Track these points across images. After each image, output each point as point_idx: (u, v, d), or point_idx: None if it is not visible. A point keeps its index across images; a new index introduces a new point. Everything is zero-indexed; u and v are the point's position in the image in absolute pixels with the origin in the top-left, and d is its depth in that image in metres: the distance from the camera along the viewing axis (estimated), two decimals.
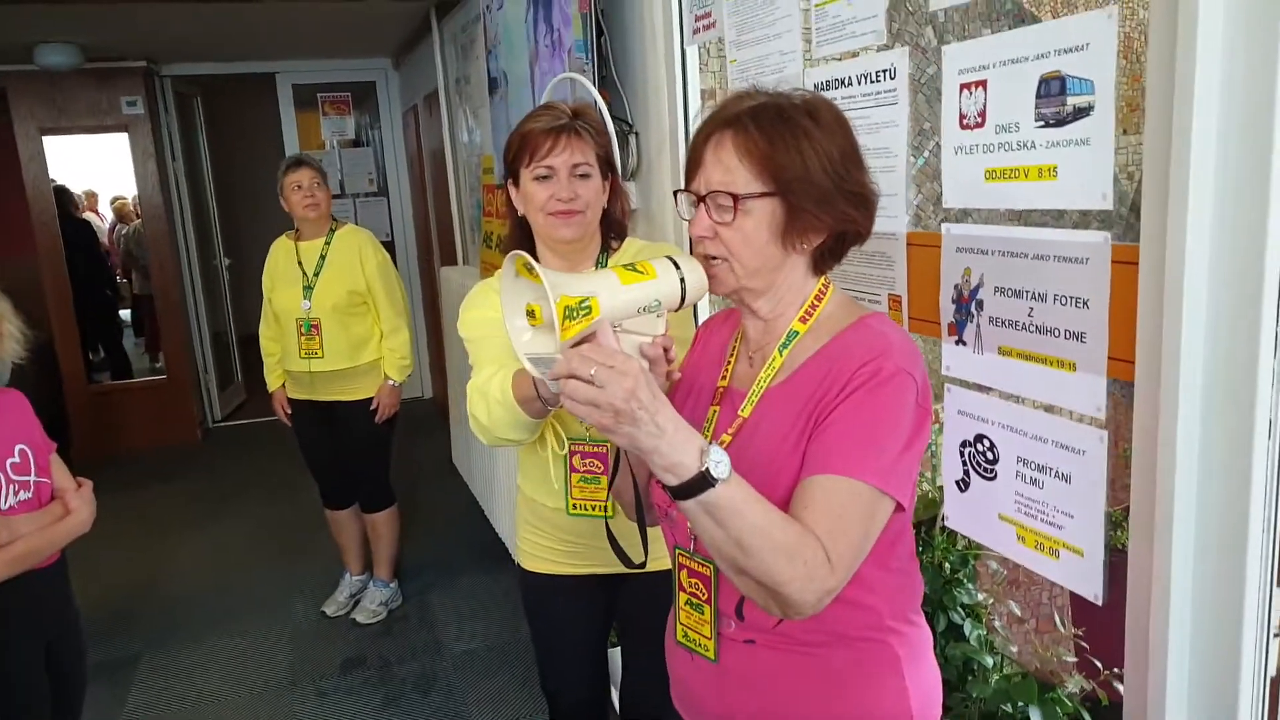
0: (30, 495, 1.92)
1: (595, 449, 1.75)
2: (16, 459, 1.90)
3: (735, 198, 1.10)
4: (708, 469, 0.95)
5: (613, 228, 1.80)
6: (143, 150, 6.06)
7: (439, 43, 5.00)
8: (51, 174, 6.08)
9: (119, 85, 5.91)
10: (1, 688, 1.90)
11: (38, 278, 5.91)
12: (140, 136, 6.04)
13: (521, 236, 1.78)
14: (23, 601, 1.90)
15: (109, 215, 9.03)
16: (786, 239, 1.12)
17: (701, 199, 1.14)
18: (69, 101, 5.86)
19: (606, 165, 1.72)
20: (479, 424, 1.73)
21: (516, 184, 1.72)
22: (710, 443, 0.98)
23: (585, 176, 1.67)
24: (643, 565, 1.54)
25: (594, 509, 1.78)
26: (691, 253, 1.19)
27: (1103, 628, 2.12)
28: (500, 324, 1.78)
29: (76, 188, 8.58)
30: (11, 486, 1.88)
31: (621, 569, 1.61)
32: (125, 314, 8.90)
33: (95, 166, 8.34)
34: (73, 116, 5.92)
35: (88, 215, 8.82)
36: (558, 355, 0.98)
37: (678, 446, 0.96)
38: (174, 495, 5.35)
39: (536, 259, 1.77)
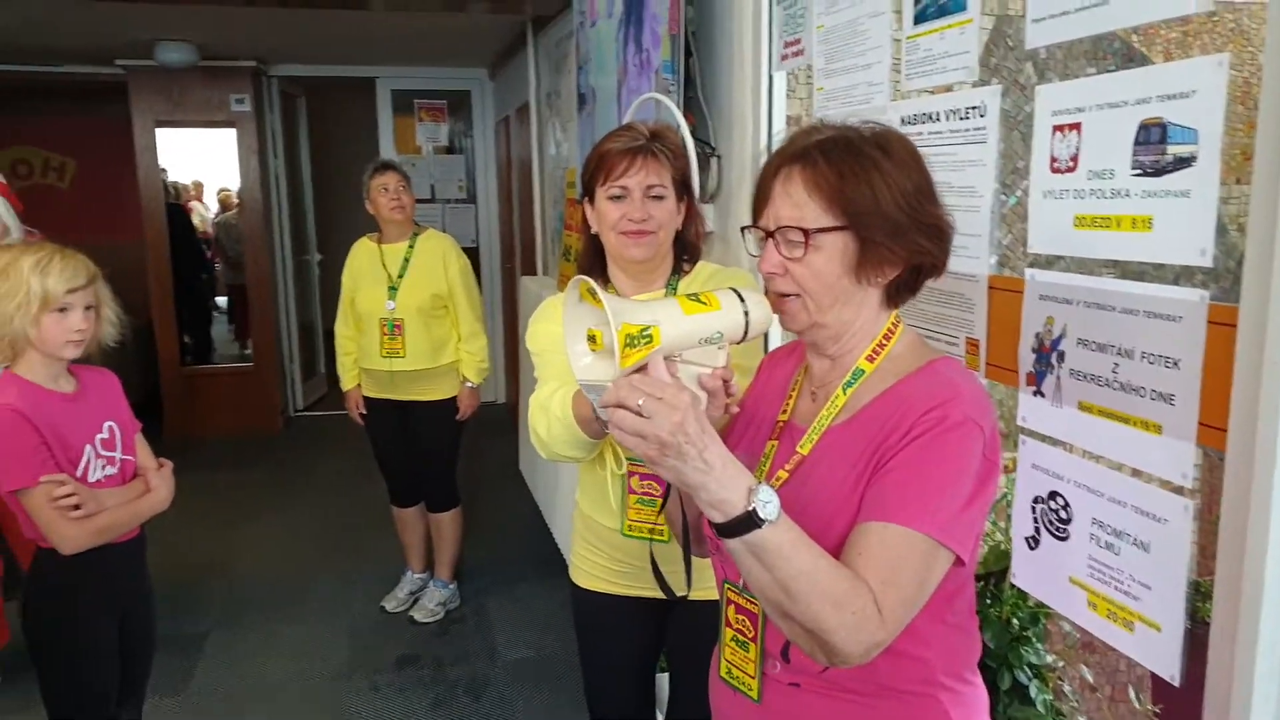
0: (115, 471, 2.01)
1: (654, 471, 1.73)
2: (105, 435, 2.00)
3: (806, 233, 1.07)
4: (755, 509, 0.93)
5: (686, 249, 1.79)
6: (247, 146, 6.27)
7: (533, 56, 5.06)
8: (161, 164, 6.34)
9: (229, 83, 6.14)
10: (73, 655, 1.99)
11: (143, 262, 6.15)
12: (246, 133, 6.26)
13: (594, 255, 1.78)
14: (100, 573, 1.99)
15: (214, 205, 9.40)
16: (860, 273, 1.09)
17: (770, 235, 1.11)
18: (183, 97, 6.11)
19: (682, 187, 1.71)
20: (538, 438, 1.74)
21: (592, 202, 1.72)
22: (762, 481, 0.95)
23: (659, 198, 1.66)
24: (683, 598, 1.53)
25: (649, 532, 1.76)
26: (765, 292, 1.16)
27: (1186, 708, 2.01)
28: (561, 340, 1.80)
29: (184, 178, 8.97)
30: (99, 461, 1.98)
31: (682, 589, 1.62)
32: (222, 301, 9.27)
33: (202, 159, 8.71)
34: (186, 111, 6.17)
35: (193, 204, 9.19)
36: (609, 383, 0.96)
37: (725, 484, 0.93)
38: (251, 480, 5.50)
39: (607, 278, 1.81)
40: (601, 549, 1.88)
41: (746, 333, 1.12)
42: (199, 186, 9.66)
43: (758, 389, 1.35)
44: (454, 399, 3.60)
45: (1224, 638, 1.06)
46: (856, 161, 1.07)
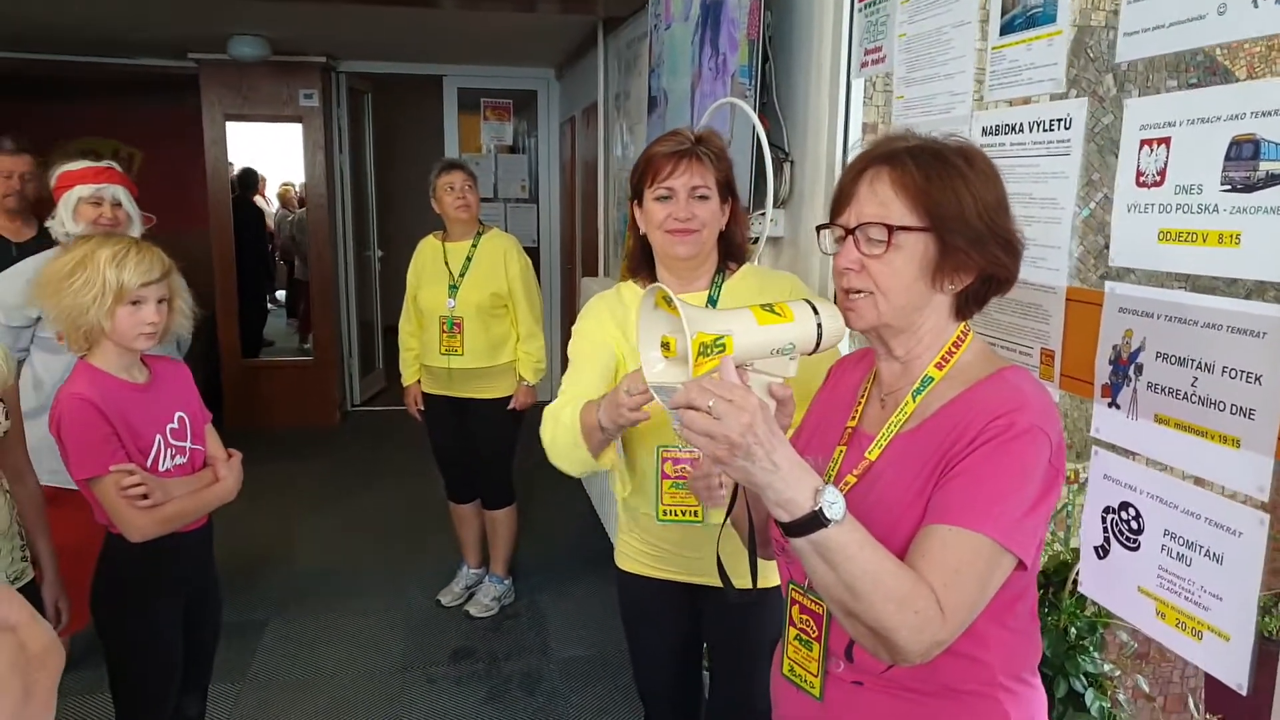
0: (185, 461, 2.05)
1: (688, 455, 1.80)
2: (176, 425, 2.04)
3: (890, 229, 1.10)
4: (821, 509, 0.96)
5: (731, 251, 1.86)
6: (314, 142, 6.37)
7: (603, 57, 5.11)
8: (230, 157, 6.49)
9: (298, 78, 6.25)
10: (140, 641, 2.03)
11: (208, 253, 6.30)
12: (313, 128, 6.36)
13: (642, 255, 1.87)
14: (168, 561, 2.02)
15: (274, 200, 9.58)
16: (936, 277, 1.13)
17: (850, 232, 1.14)
18: (253, 90, 6.23)
19: (727, 190, 1.79)
20: (544, 443, 1.84)
21: (640, 203, 1.80)
22: (828, 483, 0.98)
23: (704, 198, 1.75)
24: (746, 596, 1.56)
25: (685, 514, 1.82)
26: (835, 290, 1.19)
27: (1241, 716, 2.00)
28: (599, 348, 1.87)
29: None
30: (169, 451, 2.01)
31: (712, 581, 1.68)
32: (280, 294, 9.44)
33: (265, 153, 8.86)
34: (255, 105, 6.29)
35: (257, 200, 9.39)
36: (679, 385, 0.99)
37: (792, 484, 0.96)
38: (310, 473, 5.61)
39: (655, 278, 1.85)
40: (640, 534, 1.95)
41: (819, 344, 1.15)
42: (262, 180, 9.85)
43: (825, 396, 1.38)
44: (511, 398, 3.65)
45: None
46: (943, 168, 1.11)
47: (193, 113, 6.30)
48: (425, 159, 3.97)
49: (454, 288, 3.52)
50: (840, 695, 1.21)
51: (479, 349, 3.54)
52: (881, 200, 1.12)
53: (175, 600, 2.08)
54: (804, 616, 1.25)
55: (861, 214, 1.13)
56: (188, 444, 2.06)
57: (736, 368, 1.04)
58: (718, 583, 1.77)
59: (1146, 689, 2.12)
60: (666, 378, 1.10)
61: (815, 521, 0.96)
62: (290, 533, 4.63)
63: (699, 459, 1.76)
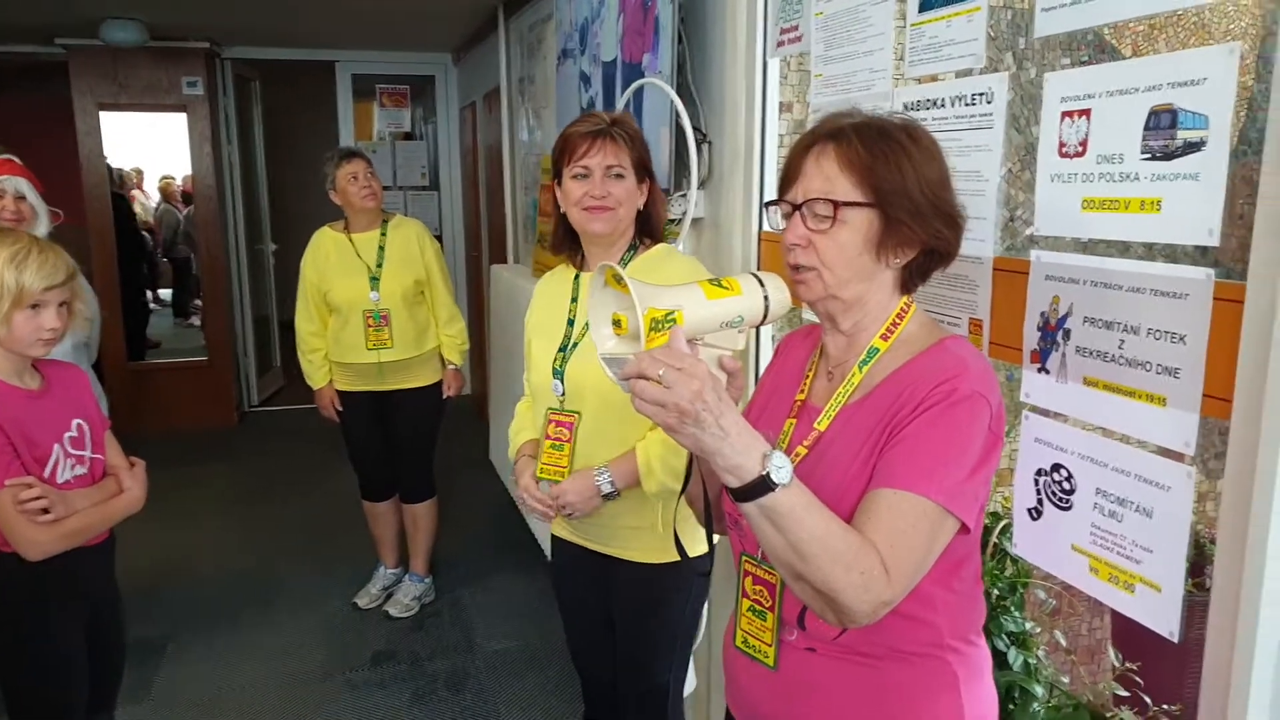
0: (85, 471, 1.93)
1: (566, 418, 1.88)
2: (74, 433, 1.92)
3: (835, 205, 1.12)
4: (769, 473, 0.97)
5: (647, 228, 1.93)
6: (199, 132, 6.12)
7: (505, 40, 5.02)
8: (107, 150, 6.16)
9: (180, 65, 5.98)
10: (41, 666, 1.91)
11: (86, 251, 5.99)
12: (198, 118, 6.11)
13: (565, 233, 1.95)
14: (68, 578, 1.91)
15: (154, 194, 9.17)
16: (880, 252, 1.15)
17: (797, 208, 1.16)
18: (130, 78, 5.93)
19: (643, 170, 1.86)
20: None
21: (560, 183, 1.87)
22: (774, 449, 0.99)
23: (619, 177, 1.82)
24: (701, 565, 1.68)
25: (554, 474, 1.89)
26: (785, 266, 1.20)
27: (1151, 662, 2.10)
28: (543, 329, 1.92)
29: (126, 164, 8.73)
30: (69, 461, 1.89)
31: (619, 553, 1.91)
32: (166, 293, 9.05)
33: (144, 145, 8.46)
34: (133, 94, 5.99)
35: (135, 193, 8.96)
36: (629, 356, 1.00)
37: (740, 450, 0.98)
38: (209, 478, 5.39)
39: (581, 254, 1.88)
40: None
41: (766, 315, 1.17)
42: (139, 174, 9.41)
43: (774, 370, 1.40)
44: (437, 385, 3.60)
45: (1225, 599, 1.12)
46: (887, 144, 1.13)
47: (62, 103, 5.96)
48: (319, 148, 3.84)
49: (375, 279, 3.41)
50: (794, 663, 1.24)
51: (407, 339, 3.47)
52: (827, 176, 1.14)
53: (77, 621, 1.97)
54: (757, 587, 1.27)
55: (808, 190, 1.15)
56: (88, 453, 1.95)
57: (687, 342, 1.05)
58: (626, 554, 1.91)
59: (1063, 642, 2.21)
60: (618, 354, 1.10)
61: (763, 485, 0.97)
62: (190, 541, 4.44)
63: (574, 420, 1.87)
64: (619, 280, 1.06)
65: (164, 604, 3.78)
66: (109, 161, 6.87)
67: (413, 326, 3.48)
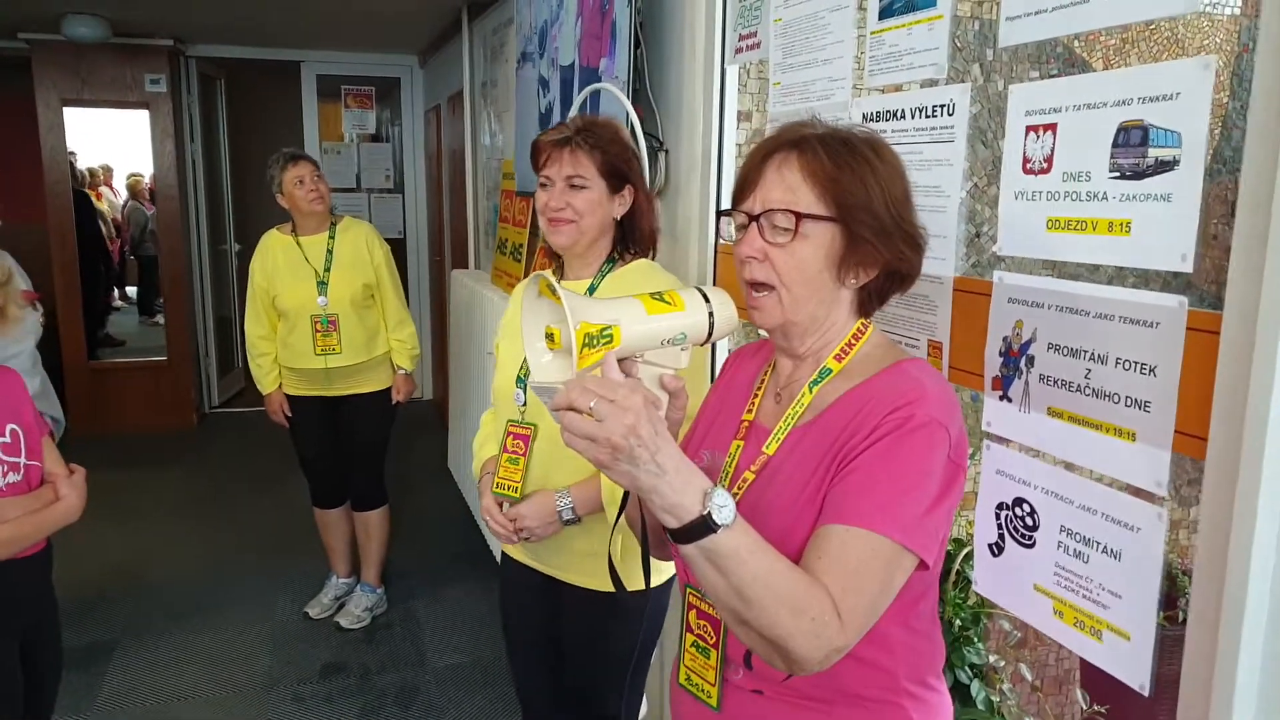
0: (20, 478, 1.84)
1: (522, 430, 1.81)
2: (7, 439, 1.83)
3: (798, 217, 1.05)
4: (709, 513, 0.89)
5: (632, 240, 1.84)
6: (162, 129, 6.01)
7: (468, 44, 4.94)
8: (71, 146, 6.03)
9: (144, 62, 5.87)
10: None
11: (45, 247, 5.84)
12: (161, 115, 5.99)
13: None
14: (0, 590, 1.82)
15: (122, 191, 9.01)
16: (841, 270, 1.08)
17: (754, 219, 1.09)
18: (93, 74, 5.81)
19: (616, 178, 1.77)
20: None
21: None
22: (716, 486, 0.91)
23: (580, 188, 1.75)
24: (643, 591, 1.54)
25: (509, 489, 1.82)
26: (738, 278, 1.12)
27: (1120, 701, 2.03)
28: (513, 332, 1.81)
29: (93, 162, 8.57)
30: (1, 468, 1.80)
31: (569, 578, 1.83)
32: (132, 291, 8.89)
33: (113, 142, 8.31)
34: (95, 90, 5.87)
35: (102, 190, 8.79)
36: (560, 385, 0.91)
37: (678, 488, 0.90)
38: (164, 480, 5.27)
39: (562, 264, 1.80)
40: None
41: (710, 333, 1.10)
42: (108, 171, 9.25)
43: (721, 388, 1.33)
44: (388, 390, 3.51)
45: (1202, 643, 1.05)
46: (852, 157, 1.07)
47: (25, 98, 5.82)
48: (283, 148, 3.72)
49: (322, 284, 3.32)
50: (739, 705, 1.16)
51: (356, 344, 3.37)
52: (789, 186, 1.07)
53: (9, 635, 1.87)
54: (701, 621, 1.19)
55: (768, 200, 1.08)
56: (22, 459, 1.85)
57: (625, 360, 0.98)
58: (575, 580, 1.83)
59: (1028, 676, 2.14)
60: (552, 370, 1.02)
61: (704, 527, 0.89)
62: (140, 546, 4.31)
63: (529, 433, 1.80)
64: (553, 291, 0.97)
65: (112, 609, 3.66)
66: (74, 159, 6.75)
67: (362, 331, 3.38)
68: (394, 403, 3.52)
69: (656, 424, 0.90)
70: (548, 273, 1.00)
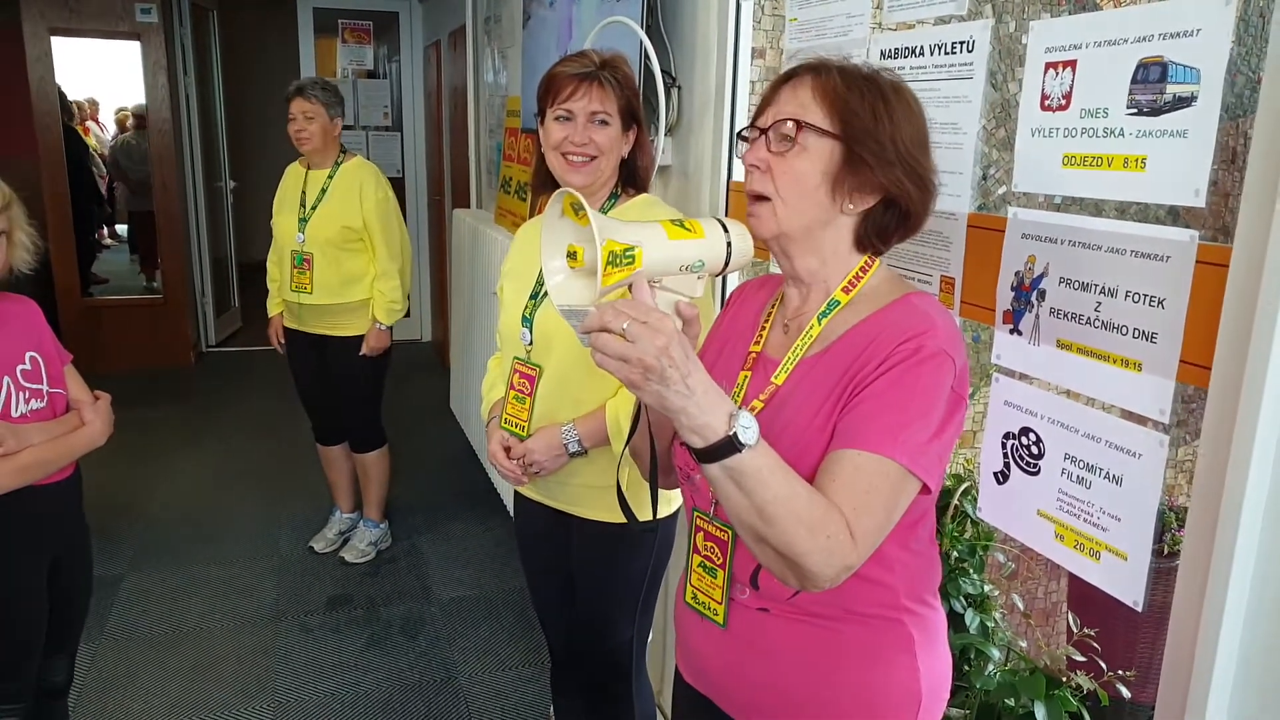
0: (44, 405, 1.86)
1: (528, 370, 1.84)
2: (27, 366, 1.85)
3: (799, 125, 1.09)
4: (735, 433, 0.93)
5: (632, 177, 1.86)
6: (154, 62, 5.91)
7: None
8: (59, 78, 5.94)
9: None
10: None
11: (36, 182, 5.77)
12: (152, 47, 5.89)
13: (546, 175, 1.84)
14: (28, 515, 1.85)
15: (110, 126, 8.88)
16: (837, 188, 1.11)
17: (764, 132, 1.12)
18: (82, 3, 5.70)
19: (630, 117, 1.78)
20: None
21: (543, 122, 1.79)
22: (739, 408, 0.95)
23: (603, 124, 1.74)
24: (649, 525, 1.65)
25: (515, 426, 1.86)
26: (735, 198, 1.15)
27: (1107, 628, 2.11)
28: (517, 273, 1.83)
29: (79, 94, 8.43)
30: (22, 394, 1.82)
31: (577, 511, 1.88)
32: (123, 229, 8.80)
33: (101, 74, 8.17)
34: (84, 19, 5.76)
35: (89, 124, 8.66)
36: (591, 308, 0.94)
37: (706, 409, 0.93)
38: (164, 418, 5.29)
39: None
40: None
41: (727, 262, 1.11)
42: (94, 105, 9.11)
43: (727, 320, 1.35)
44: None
45: (1195, 568, 1.10)
46: (867, 85, 1.10)
47: (11, 27, 5.70)
48: (280, 84, 3.69)
49: (303, 221, 3.30)
50: (745, 622, 1.21)
51: (329, 285, 3.32)
52: (801, 103, 1.10)
53: (37, 559, 1.91)
54: (709, 543, 1.24)
55: (779, 114, 1.12)
56: (44, 387, 1.87)
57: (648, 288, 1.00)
58: (584, 513, 1.87)
59: (1021, 606, 2.21)
60: (568, 293, 1.04)
61: (730, 447, 0.93)
62: (144, 481, 4.36)
63: (536, 373, 1.83)
64: (577, 211, 0.99)
65: (118, 543, 3.72)
66: (62, 90, 6.64)
67: (336, 274, 3.32)
68: (359, 353, 3.42)
69: (686, 347, 0.93)
70: (573, 190, 1.02)
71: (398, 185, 5.87)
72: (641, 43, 2.21)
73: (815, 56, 1.15)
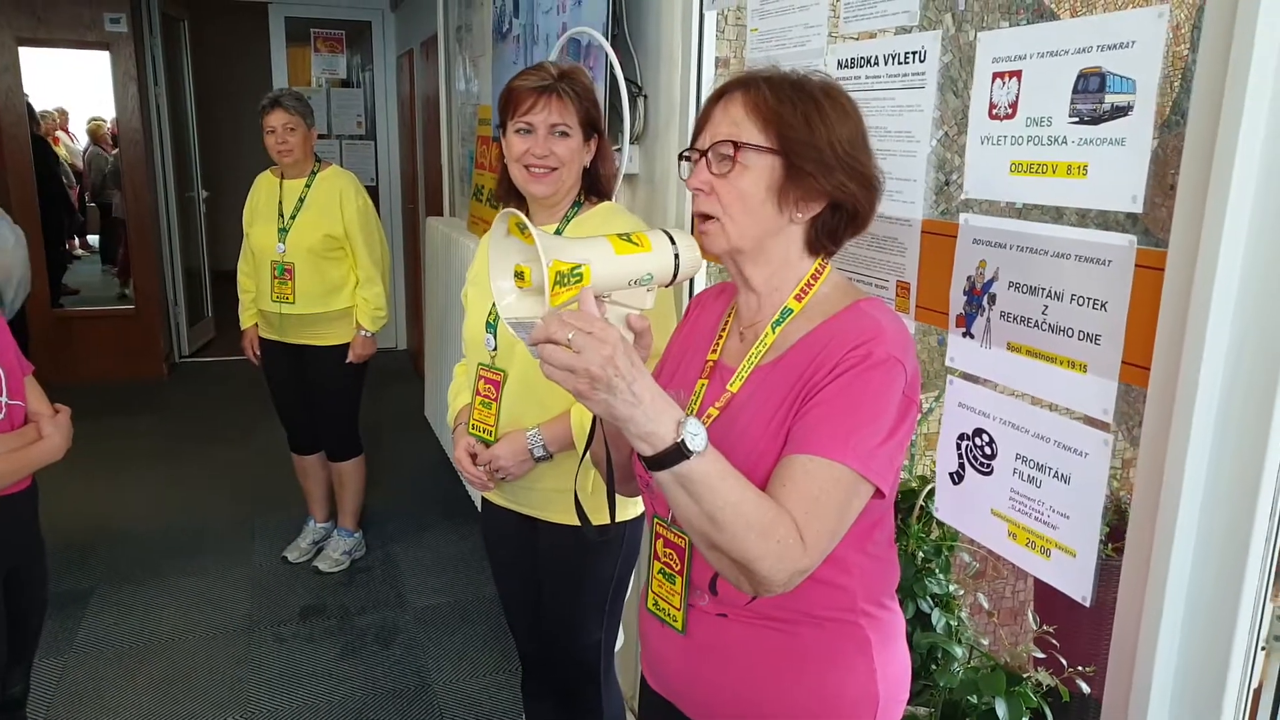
0: (2, 417, 1.84)
1: (493, 375, 1.86)
2: None
3: (736, 146, 1.11)
4: (683, 440, 0.95)
5: (595, 186, 1.88)
6: (124, 71, 5.88)
7: None
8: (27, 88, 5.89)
9: (104, 0, 5.71)
10: None
11: (3, 193, 5.71)
12: (122, 57, 5.86)
13: (510, 187, 1.86)
14: None
15: (81, 136, 8.81)
16: (783, 201, 1.13)
17: (703, 154, 1.14)
18: (50, 12, 5.67)
19: (590, 127, 1.81)
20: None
21: (505, 135, 1.81)
22: (688, 416, 0.97)
23: (563, 135, 1.76)
24: (603, 533, 1.68)
25: (482, 431, 1.89)
26: (692, 217, 1.18)
27: (1069, 625, 2.14)
28: (482, 279, 1.85)
29: (49, 104, 8.36)
30: None
31: (544, 515, 1.89)
32: (94, 239, 8.74)
33: (71, 84, 8.11)
34: (53, 28, 5.72)
35: (59, 134, 8.59)
36: (538, 320, 0.95)
37: (653, 416, 0.95)
38: (136, 429, 5.26)
39: (526, 209, 1.83)
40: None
41: (676, 274, 1.13)
42: (63, 115, 9.03)
43: (686, 330, 1.37)
44: (349, 345, 3.45)
45: (1137, 562, 1.14)
46: (796, 95, 1.11)
47: None
48: (252, 93, 3.69)
49: (283, 231, 3.30)
50: (704, 627, 1.23)
51: (312, 294, 3.33)
52: (734, 120, 1.12)
53: None
54: (667, 550, 1.25)
55: (715, 135, 1.13)
56: (3, 399, 1.85)
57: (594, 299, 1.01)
58: (550, 517, 1.89)
59: (986, 605, 2.25)
60: (520, 309, 1.05)
61: (678, 454, 0.95)
62: (117, 493, 4.33)
63: (500, 378, 1.85)
64: (522, 230, 1.01)
65: (88, 556, 3.69)
66: (29, 100, 6.59)
67: (319, 283, 3.33)
68: (346, 361, 3.44)
69: (632, 356, 0.94)
70: (517, 211, 1.02)
71: (372, 193, 5.84)
72: (606, 54, 2.23)
73: (744, 71, 1.17)
